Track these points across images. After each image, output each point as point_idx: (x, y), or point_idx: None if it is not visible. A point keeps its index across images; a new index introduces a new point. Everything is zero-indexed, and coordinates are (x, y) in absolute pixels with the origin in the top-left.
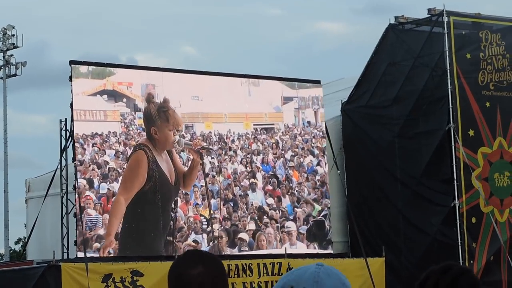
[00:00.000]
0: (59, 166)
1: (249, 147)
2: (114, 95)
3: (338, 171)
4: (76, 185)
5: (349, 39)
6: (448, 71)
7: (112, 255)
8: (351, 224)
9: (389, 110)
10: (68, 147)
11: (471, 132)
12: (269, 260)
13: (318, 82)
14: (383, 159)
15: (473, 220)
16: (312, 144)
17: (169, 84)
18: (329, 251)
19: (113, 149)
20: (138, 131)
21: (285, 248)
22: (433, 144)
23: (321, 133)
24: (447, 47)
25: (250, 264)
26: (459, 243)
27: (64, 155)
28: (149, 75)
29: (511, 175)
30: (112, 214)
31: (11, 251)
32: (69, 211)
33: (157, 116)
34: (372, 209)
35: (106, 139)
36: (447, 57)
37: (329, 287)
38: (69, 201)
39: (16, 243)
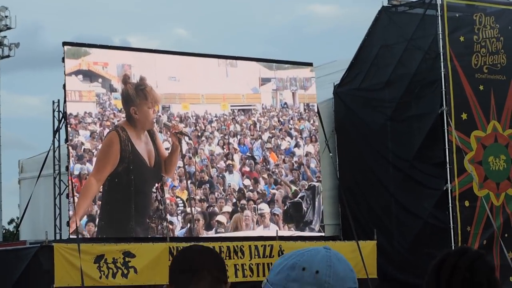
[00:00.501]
0: (51, 147)
1: (227, 128)
2: (89, 75)
3: (330, 154)
4: (69, 166)
5: (341, 21)
6: (441, 54)
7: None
8: (343, 207)
9: (381, 93)
10: (60, 129)
11: (464, 116)
12: (260, 242)
13: (310, 64)
14: (375, 142)
15: (466, 203)
16: (290, 126)
17: (145, 64)
18: (307, 233)
19: (88, 130)
20: (114, 111)
21: (277, 231)
22: (426, 128)
23: (298, 115)
24: (440, 30)
25: (242, 246)
26: (451, 227)
27: (57, 136)
28: (125, 55)
29: (507, 159)
30: (82, 194)
31: (4, 231)
32: (61, 192)
33: (135, 95)
34: (364, 192)
35: (81, 120)
36: (440, 40)
37: (341, 272)
38: (61, 182)
39: (9, 223)
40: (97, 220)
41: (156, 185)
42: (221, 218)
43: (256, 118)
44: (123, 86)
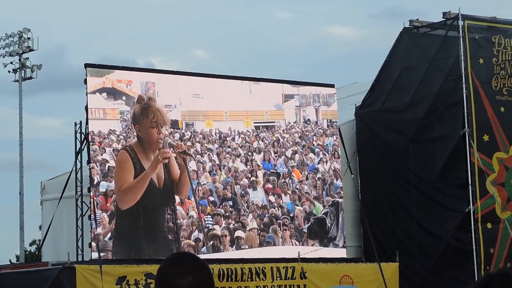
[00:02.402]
0: (73, 169)
1: (250, 145)
2: (113, 93)
3: (352, 176)
4: (93, 183)
5: (361, 43)
6: (463, 75)
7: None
8: (365, 229)
9: (403, 114)
10: (83, 150)
11: (486, 137)
12: (282, 264)
13: (332, 85)
14: (397, 163)
15: (489, 225)
16: (313, 142)
17: (169, 82)
18: (331, 248)
19: (113, 147)
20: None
21: (298, 252)
22: (448, 149)
23: (321, 131)
24: (462, 51)
25: (264, 268)
26: (474, 249)
27: (79, 157)
28: (149, 74)
29: None
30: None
31: (26, 253)
32: (83, 213)
33: (140, 113)
34: (385, 214)
35: (105, 137)
36: (462, 61)
37: None
38: (84, 203)
39: (31, 244)
40: (112, 241)
41: (168, 205)
42: (244, 234)
43: (280, 135)
44: (135, 105)
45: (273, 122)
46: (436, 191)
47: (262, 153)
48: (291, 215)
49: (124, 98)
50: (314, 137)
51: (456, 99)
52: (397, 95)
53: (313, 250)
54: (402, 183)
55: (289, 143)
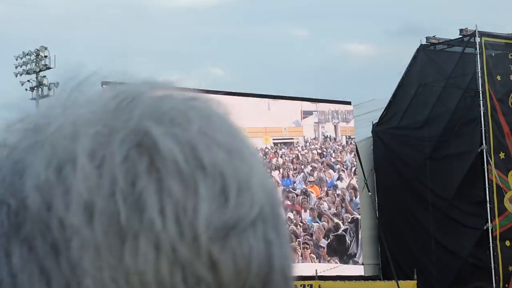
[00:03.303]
0: None
1: (269, 161)
2: None
3: (369, 193)
4: None
5: (377, 60)
6: (480, 92)
7: None
8: (382, 247)
9: (420, 131)
10: None
11: (502, 155)
12: (299, 282)
13: (348, 103)
14: (414, 181)
15: (507, 243)
16: (332, 159)
17: None
18: (350, 266)
19: None
20: None
21: (316, 270)
22: (465, 166)
23: (340, 147)
24: (479, 68)
25: None
26: (493, 267)
27: None
28: None
29: None
30: None
31: None
32: None
33: None
34: (403, 232)
35: None
36: (479, 78)
37: None
38: None
39: None
40: None
41: None
42: None
43: (299, 151)
44: None
45: (292, 138)
46: (453, 208)
47: (281, 169)
48: (311, 231)
49: None
50: (333, 153)
51: (473, 116)
52: (414, 112)
53: (333, 268)
54: (419, 200)
55: (308, 160)
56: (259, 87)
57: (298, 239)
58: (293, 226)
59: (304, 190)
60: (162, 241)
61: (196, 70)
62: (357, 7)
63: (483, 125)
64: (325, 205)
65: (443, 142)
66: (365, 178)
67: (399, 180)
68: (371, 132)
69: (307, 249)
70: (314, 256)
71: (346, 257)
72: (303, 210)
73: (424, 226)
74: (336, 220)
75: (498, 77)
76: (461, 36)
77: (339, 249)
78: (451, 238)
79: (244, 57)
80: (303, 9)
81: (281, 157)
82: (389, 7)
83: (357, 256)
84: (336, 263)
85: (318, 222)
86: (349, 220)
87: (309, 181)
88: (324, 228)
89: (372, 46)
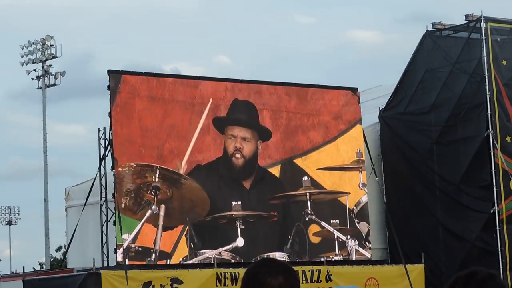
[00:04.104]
0: (98, 175)
1: None
2: None
3: (377, 178)
4: (115, 193)
5: (383, 47)
6: (486, 77)
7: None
8: (390, 231)
9: (427, 116)
10: (106, 156)
11: (508, 139)
12: (308, 267)
13: (355, 89)
14: (421, 166)
15: None
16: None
17: None
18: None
19: None
20: None
21: (324, 256)
22: (472, 151)
23: None
24: (485, 53)
25: None
26: (499, 250)
27: (103, 163)
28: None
29: None
30: None
31: (52, 259)
32: (108, 219)
33: None
34: (410, 216)
35: None
36: (485, 63)
37: None
38: (108, 209)
39: (57, 250)
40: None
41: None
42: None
43: None
44: None
45: None
46: (460, 192)
47: None
48: None
49: None
50: None
51: (480, 100)
52: (420, 98)
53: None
54: (426, 185)
55: None
56: (265, 74)
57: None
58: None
59: None
60: None
61: (203, 58)
62: None
63: (489, 110)
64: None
65: (450, 127)
66: (372, 163)
67: (406, 165)
68: (378, 117)
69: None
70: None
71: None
72: None
73: (431, 211)
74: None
75: (504, 62)
76: (466, 21)
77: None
78: (458, 222)
79: (250, 45)
80: None
81: None
82: None
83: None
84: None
85: None
86: None
87: None
88: None
89: (378, 32)
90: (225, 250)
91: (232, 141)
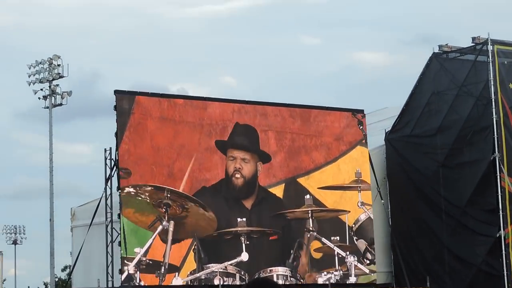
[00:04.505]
0: (103, 195)
1: None
2: None
3: (382, 201)
4: (121, 214)
5: (389, 69)
6: (493, 100)
7: None
8: (395, 254)
9: (433, 139)
10: (112, 176)
11: None
12: None
13: (361, 111)
14: (427, 188)
15: None
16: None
17: None
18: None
19: None
20: None
21: (329, 278)
22: (478, 174)
23: None
24: (491, 76)
25: None
26: (505, 274)
27: (108, 184)
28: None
29: None
30: None
31: (56, 279)
32: (114, 240)
33: None
34: (416, 239)
35: None
36: (492, 86)
37: None
38: (114, 229)
39: (62, 270)
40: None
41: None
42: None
43: None
44: None
45: None
46: (466, 216)
47: None
48: None
49: None
50: None
51: (486, 124)
52: (427, 120)
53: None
54: (432, 208)
55: None
56: (271, 95)
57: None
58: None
59: None
60: None
61: (208, 79)
62: (369, 16)
63: (495, 133)
64: None
65: (456, 150)
66: (378, 186)
67: (412, 188)
68: (384, 140)
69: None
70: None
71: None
72: None
73: (437, 234)
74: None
75: (511, 85)
76: (473, 44)
77: None
78: (463, 246)
79: (256, 66)
80: (315, 18)
81: None
82: (401, 17)
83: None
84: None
85: None
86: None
87: None
88: None
89: (384, 54)
90: (230, 264)
91: (232, 162)
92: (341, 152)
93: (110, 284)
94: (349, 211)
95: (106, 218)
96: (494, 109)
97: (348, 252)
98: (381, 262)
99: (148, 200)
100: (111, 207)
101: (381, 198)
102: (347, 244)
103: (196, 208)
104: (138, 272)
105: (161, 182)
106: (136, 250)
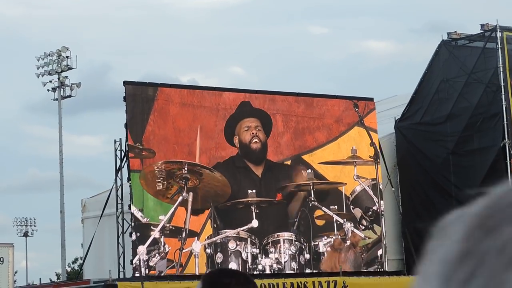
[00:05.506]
0: (114, 186)
1: None
2: None
3: (393, 189)
4: (131, 205)
5: (398, 57)
6: (502, 86)
7: None
8: (406, 242)
9: (443, 126)
10: (123, 167)
11: None
12: (324, 278)
13: (371, 99)
14: (437, 176)
15: None
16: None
17: None
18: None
19: None
20: None
21: (340, 266)
22: (488, 161)
23: None
24: (500, 63)
25: (306, 283)
26: None
27: (119, 175)
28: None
29: None
30: None
31: (68, 271)
32: (125, 231)
33: None
34: (426, 227)
35: None
36: (501, 72)
37: None
38: (124, 220)
39: (73, 262)
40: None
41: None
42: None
43: None
44: None
45: None
46: None
47: None
48: None
49: None
50: None
51: (496, 110)
52: (436, 108)
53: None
54: (443, 195)
55: None
56: (280, 85)
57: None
58: None
59: None
60: None
61: (217, 69)
62: (377, 5)
63: (505, 120)
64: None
65: (466, 137)
66: (388, 174)
67: (422, 176)
68: (394, 128)
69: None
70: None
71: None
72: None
73: None
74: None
75: None
76: (482, 31)
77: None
78: None
79: (264, 56)
80: (323, 7)
81: None
82: (410, 5)
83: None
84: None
85: None
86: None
87: None
88: None
89: (393, 42)
90: (243, 230)
91: (247, 131)
92: (341, 132)
93: (121, 275)
94: (346, 183)
95: (117, 209)
96: (503, 96)
97: (345, 219)
98: (392, 250)
99: (169, 175)
100: (121, 198)
101: (392, 186)
102: (344, 212)
103: (212, 174)
104: (162, 237)
105: (182, 159)
106: (161, 217)
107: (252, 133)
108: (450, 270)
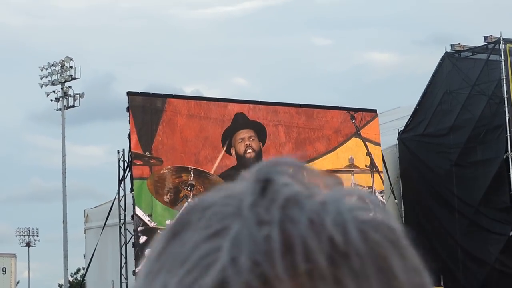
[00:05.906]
0: (117, 197)
1: None
2: None
3: (395, 200)
4: (139, 209)
5: (401, 69)
6: (506, 98)
7: None
8: None
9: (446, 138)
10: (126, 178)
11: None
12: None
13: (374, 111)
14: (440, 187)
15: None
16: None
17: None
18: None
19: None
20: None
21: None
22: (491, 173)
23: None
24: (504, 75)
25: None
26: None
27: (122, 185)
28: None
29: None
30: None
31: (70, 281)
32: (127, 241)
33: None
34: (429, 238)
35: None
36: (504, 85)
37: None
38: (127, 231)
39: (76, 273)
40: None
41: None
42: None
43: None
44: None
45: None
46: (479, 215)
47: None
48: None
49: None
50: None
51: (499, 122)
52: (439, 120)
53: None
54: (445, 207)
55: None
56: (283, 96)
57: None
58: None
59: None
60: None
61: (220, 80)
62: (381, 16)
63: (508, 132)
64: None
65: (469, 149)
66: (391, 185)
67: (425, 187)
68: (397, 139)
69: None
70: None
71: None
72: None
73: (451, 233)
74: None
75: None
76: (485, 43)
77: None
78: (477, 244)
79: (268, 67)
80: (326, 19)
81: None
82: (413, 17)
83: None
84: None
85: None
86: None
87: None
88: None
89: (396, 54)
90: None
91: (241, 143)
92: (339, 142)
93: (124, 286)
94: None
95: (120, 219)
96: (506, 108)
97: None
98: None
99: (176, 182)
100: (124, 209)
101: (395, 197)
102: None
103: (216, 182)
104: None
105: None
106: (167, 222)
107: (246, 144)
108: (151, 266)
